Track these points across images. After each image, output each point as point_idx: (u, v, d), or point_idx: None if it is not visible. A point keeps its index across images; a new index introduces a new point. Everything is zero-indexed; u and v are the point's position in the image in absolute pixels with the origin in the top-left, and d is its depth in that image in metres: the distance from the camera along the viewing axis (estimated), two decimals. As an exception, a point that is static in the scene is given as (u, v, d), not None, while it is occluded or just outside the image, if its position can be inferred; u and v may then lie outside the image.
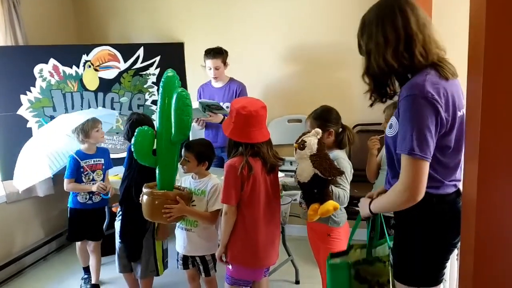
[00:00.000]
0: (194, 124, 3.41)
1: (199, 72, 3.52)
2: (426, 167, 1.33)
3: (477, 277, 1.19)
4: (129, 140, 2.52)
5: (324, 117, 2.25)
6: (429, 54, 1.39)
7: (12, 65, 3.30)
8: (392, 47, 1.40)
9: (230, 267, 2.13)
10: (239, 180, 1.97)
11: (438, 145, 1.37)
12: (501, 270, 1.17)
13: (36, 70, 3.38)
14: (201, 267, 2.42)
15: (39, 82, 3.40)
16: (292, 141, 3.59)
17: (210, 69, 3.25)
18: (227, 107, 3.28)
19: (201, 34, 3.83)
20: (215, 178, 2.37)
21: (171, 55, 3.78)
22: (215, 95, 3.35)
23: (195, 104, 3.09)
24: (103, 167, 2.97)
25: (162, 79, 2.25)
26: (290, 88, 3.71)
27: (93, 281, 3.01)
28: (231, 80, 3.36)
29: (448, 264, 1.51)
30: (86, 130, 2.86)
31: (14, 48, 3.32)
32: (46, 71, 3.41)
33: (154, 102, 3.75)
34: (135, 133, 2.24)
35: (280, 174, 2.91)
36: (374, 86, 1.48)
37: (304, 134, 1.99)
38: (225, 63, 3.28)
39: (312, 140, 1.90)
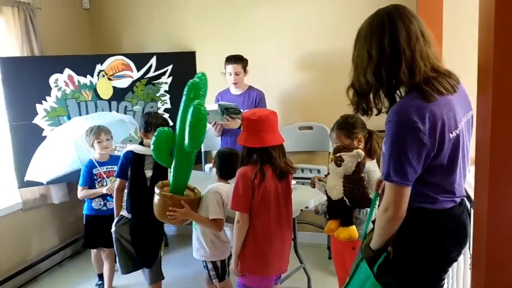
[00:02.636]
0: (211, 128, 3.44)
1: (211, 79, 3.53)
2: (404, 190, 1.35)
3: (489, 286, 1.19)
4: (145, 130, 2.64)
5: (349, 124, 2.18)
6: (415, 73, 1.34)
7: (28, 75, 3.37)
8: (374, 64, 1.37)
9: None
10: (250, 189, 1.99)
11: (428, 166, 1.36)
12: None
13: (52, 80, 3.45)
14: (206, 274, 2.46)
15: (54, 92, 3.47)
16: (303, 148, 3.68)
17: (231, 74, 3.27)
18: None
19: (213, 43, 3.87)
20: (218, 185, 2.38)
21: (183, 64, 3.84)
22: (234, 102, 3.35)
23: (214, 106, 3.12)
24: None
25: (188, 83, 2.29)
26: (302, 95, 3.72)
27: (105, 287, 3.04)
28: (250, 88, 3.38)
29: (451, 275, 1.51)
30: (89, 140, 2.97)
31: (30, 59, 3.40)
32: (61, 81, 3.48)
33: (167, 110, 3.81)
34: (156, 133, 2.30)
35: (292, 182, 2.93)
36: (356, 101, 1.46)
37: (344, 148, 1.91)
38: (245, 70, 3.30)
39: (350, 161, 1.85)
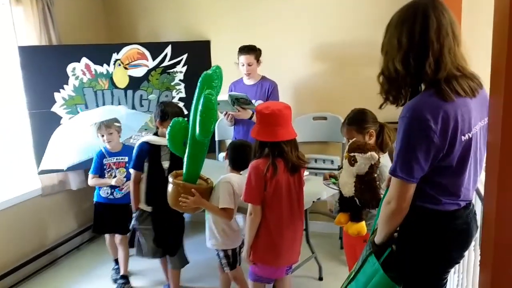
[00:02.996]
0: (223, 118, 3.48)
1: (226, 69, 3.53)
2: (408, 187, 1.37)
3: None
4: (162, 119, 2.67)
5: (360, 119, 2.16)
6: (440, 68, 1.33)
7: (46, 64, 3.43)
8: (402, 52, 1.37)
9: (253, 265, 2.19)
10: (262, 181, 2.01)
11: (436, 166, 1.37)
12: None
13: (69, 68, 3.51)
14: (218, 261, 2.52)
15: (72, 80, 3.53)
16: (317, 138, 3.68)
17: (243, 65, 3.27)
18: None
19: (228, 32, 3.86)
20: (229, 175, 2.41)
21: (197, 52, 3.86)
22: (247, 92, 3.35)
23: (224, 97, 3.15)
24: (127, 165, 3.05)
25: (202, 75, 2.32)
26: (316, 85, 3.71)
27: (121, 273, 3.12)
28: (264, 78, 3.38)
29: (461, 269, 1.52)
30: (97, 133, 3.01)
31: (48, 48, 3.45)
32: (78, 70, 3.53)
33: (181, 99, 3.84)
34: (171, 123, 2.37)
35: (305, 173, 2.95)
36: (386, 89, 1.45)
37: (359, 147, 1.89)
38: (258, 60, 3.30)
39: (364, 163, 1.84)
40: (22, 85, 3.35)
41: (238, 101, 3.16)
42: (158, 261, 2.96)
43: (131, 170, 2.75)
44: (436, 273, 1.49)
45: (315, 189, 2.70)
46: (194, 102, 2.32)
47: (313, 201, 2.62)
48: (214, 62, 3.88)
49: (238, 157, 2.39)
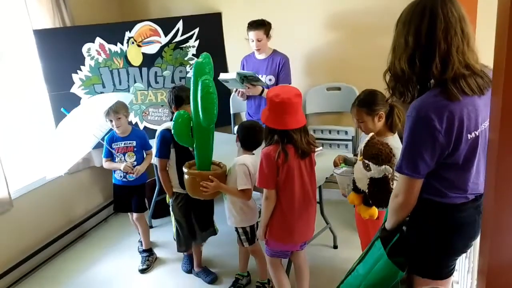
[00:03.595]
0: (234, 94, 3.52)
1: (238, 42, 3.54)
2: (414, 182, 1.42)
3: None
4: (178, 104, 2.72)
5: (370, 101, 2.15)
6: (447, 69, 1.33)
7: (62, 46, 3.50)
8: (409, 53, 1.37)
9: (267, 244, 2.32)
10: (274, 167, 2.08)
11: (442, 162, 1.40)
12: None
13: (84, 49, 3.58)
14: (237, 237, 2.65)
15: (88, 61, 3.60)
16: (330, 109, 3.70)
17: (253, 41, 3.27)
18: (270, 80, 3.34)
19: (238, 3, 3.82)
20: (243, 157, 2.46)
21: (209, 26, 3.85)
22: (258, 67, 3.38)
23: (232, 75, 3.19)
24: (135, 149, 3.11)
25: (194, 64, 2.37)
26: (329, 55, 3.68)
27: (144, 248, 3.30)
28: (274, 52, 3.37)
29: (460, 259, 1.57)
30: (105, 119, 3.04)
31: (62, 30, 3.50)
32: (93, 50, 3.59)
33: (196, 74, 3.87)
34: (174, 117, 2.42)
35: (319, 148, 3.00)
36: (392, 86, 1.47)
37: (373, 157, 1.87)
38: (267, 35, 3.27)
39: (377, 173, 1.85)
40: (40, 68, 3.44)
41: (247, 79, 3.19)
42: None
43: (156, 159, 2.78)
44: (442, 262, 1.57)
45: (329, 163, 2.75)
46: (192, 92, 2.36)
47: (326, 177, 2.69)
48: (227, 34, 3.89)
49: (249, 138, 2.46)
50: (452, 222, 1.50)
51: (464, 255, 1.78)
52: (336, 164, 2.39)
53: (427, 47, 1.34)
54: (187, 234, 2.86)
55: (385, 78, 1.49)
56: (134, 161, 3.12)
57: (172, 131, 2.45)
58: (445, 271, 1.58)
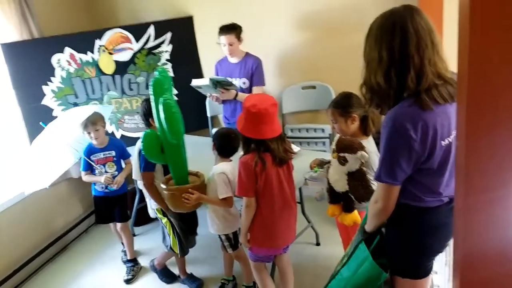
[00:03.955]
0: (209, 99, 3.52)
1: (212, 45, 3.50)
2: (393, 189, 1.48)
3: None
4: (146, 124, 2.70)
5: (345, 103, 2.19)
6: (421, 81, 1.38)
7: (30, 58, 3.43)
8: (384, 68, 1.41)
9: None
10: (253, 175, 2.10)
11: (418, 168, 1.45)
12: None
13: (54, 60, 3.51)
14: (220, 243, 2.67)
15: (58, 72, 3.53)
16: (307, 107, 3.73)
17: (225, 45, 3.26)
18: (244, 83, 3.34)
19: (210, 7, 3.79)
20: (221, 166, 2.46)
21: (181, 30, 3.83)
22: (232, 70, 3.39)
23: (205, 81, 3.19)
24: (114, 159, 3.08)
25: (150, 83, 2.32)
26: (304, 55, 3.70)
27: (128, 257, 3.28)
28: (247, 55, 3.37)
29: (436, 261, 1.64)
30: (82, 131, 2.98)
31: (30, 42, 3.42)
32: (63, 61, 3.53)
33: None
34: (142, 138, 2.38)
35: (296, 149, 3.03)
36: (369, 98, 1.51)
37: (347, 148, 1.93)
38: (239, 38, 3.27)
39: (354, 163, 1.90)
40: (10, 82, 3.37)
41: (220, 84, 3.19)
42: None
43: (143, 174, 2.64)
44: (420, 262, 1.62)
45: (306, 164, 2.79)
46: (154, 110, 2.32)
47: (305, 178, 2.72)
48: (200, 38, 3.86)
49: (225, 145, 2.46)
50: (428, 224, 1.55)
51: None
52: (311, 167, 2.42)
53: (401, 62, 1.38)
54: (186, 233, 2.82)
55: (361, 90, 1.53)
56: (115, 171, 3.10)
57: (143, 151, 2.41)
58: (424, 271, 1.63)
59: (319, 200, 2.37)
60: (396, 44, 1.37)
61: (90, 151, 3.06)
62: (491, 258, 1.26)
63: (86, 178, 3.12)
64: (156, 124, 2.34)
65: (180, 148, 2.38)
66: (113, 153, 3.10)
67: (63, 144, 2.97)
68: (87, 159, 3.03)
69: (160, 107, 2.20)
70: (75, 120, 2.98)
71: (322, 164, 2.40)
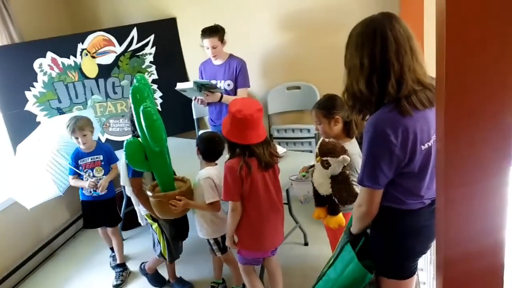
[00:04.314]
0: (194, 102, 3.51)
1: (196, 47, 3.49)
2: (375, 193, 1.51)
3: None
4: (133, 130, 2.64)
5: (329, 105, 2.21)
6: (401, 87, 1.41)
7: (11, 64, 3.38)
8: (366, 75, 1.43)
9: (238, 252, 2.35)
10: (238, 180, 2.11)
11: (399, 172, 1.49)
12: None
13: (36, 65, 3.47)
14: (209, 247, 2.67)
15: (40, 77, 3.49)
16: (292, 108, 3.75)
17: (208, 48, 3.25)
18: (228, 85, 3.34)
19: (194, 7, 3.77)
20: (206, 171, 2.47)
21: (164, 32, 3.82)
22: (216, 72, 3.38)
23: (189, 84, 3.18)
24: (102, 163, 3.07)
25: (130, 90, 2.29)
26: (288, 55, 3.70)
27: (118, 262, 3.27)
28: (231, 56, 3.36)
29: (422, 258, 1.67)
30: (69, 136, 2.96)
31: (10, 47, 3.37)
32: (45, 65, 3.49)
33: (155, 81, 3.84)
34: (124, 146, 2.36)
35: (281, 150, 3.05)
36: (351, 105, 1.54)
37: (330, 151, 1.96)
38: (222, 41, 3.25)
39: (337, 166, 1.94)
40: (-10, 88, 3.32)
41: (204, 87, 3.19)
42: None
43: (131, 180, 2.62)
44: (404, 264, 1.65)
45: (293, 165, 2.81)
46: (135, 118, 2.31)
47: (291, 180, 2.74)
48: (183, 40, 3.85)
49: (209, 150, 2.47)
50: (410, 226, 1.58)
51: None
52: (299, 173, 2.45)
53: (382, 69, 1.41)
54: (176, 239, 2.81)
55: (344, 97, 1.56)
56: (103, 175, 3.08)
57: (126, 159, 2.40)
58: (408, 272, 1.67)
59: (304, 203, 2.39)
60: (377, 51, 1.40)
61: (78, 155, 3.05)
62: (472, 252, 1.29)
63: (72, 182, 3.10)
64: (138, 132, 2.33)
65: (163, 155, 2.37)
66: (101, 157, 3.08)
67: (49, 154, 2.98)
68: (73, 164, 3.02)
69: (141, 116, 2.18)
70: (59, 128, 2.97)
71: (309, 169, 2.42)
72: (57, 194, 3.07)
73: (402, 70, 1.40)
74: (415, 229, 1.59)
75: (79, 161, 3.04)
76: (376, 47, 1.40)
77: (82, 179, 3.06)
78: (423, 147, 1.46)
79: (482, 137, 1.17)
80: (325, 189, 2.01)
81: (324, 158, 1.97)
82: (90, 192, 3.08)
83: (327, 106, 2.21)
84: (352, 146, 2.18)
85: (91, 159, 3.06)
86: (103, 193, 3.06)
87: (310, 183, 2.24)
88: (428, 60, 1.53)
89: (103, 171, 3.08)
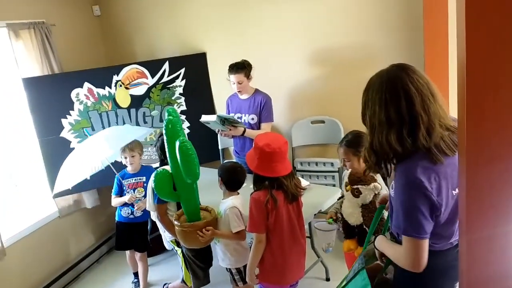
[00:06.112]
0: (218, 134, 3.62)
1: (224, 80, 3.61)
2: (422, 243, 1.43)
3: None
4: (162, 158, 2.79)
5: (357, 142, 2.24)
6: (432, 136, 1.41)
7: (51, 92, 3.57)
8: (396, 130, 1.42)
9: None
10: (264, 212, 2.16)
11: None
12: None
13: (73, 94, 3.65)
14: (230, 277, 2.69)
15: (76, 106, 3.67)
16: (316, 141, 3.80)
17: (234, 83, 3.37)
18: (253, 119, 3.44)
19: (223, 42, 3.93)
20: (231, 200, 2.51)
21: (195, 66, 3.97)
22: (241, 106, 3.49)
23: (213, 117, 3.27)
24: (145, 184, 3.20)
25: (164, 122, 2.39)
26: (313, 90, 3.78)
27: (141, 287, 3.33)
28: (256, 91, 3.47)
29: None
30: (120, 154, 3.16)
31: (51, 77, 3.58)
32: (82, 95, 3.67)
33: (183, 112, 3.97)
34: (153, 177, 2.46)
35: (305, 183, 3.08)
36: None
37: (360, 180, 1.98)
38: (248, 77, 3.36)
39: (368, 194, 1.96)
40: (29, 115, 3.50)
41: (227, 121, 3.29)
42: (177, 270, 3.11)
43: (157, 206, 2.71)
44: None
45: (317, 199, 2.85)
46: (167, 149, 2.40)
47: (314, 214, 2.77)
48: (212, 73, 4.00)
49: (231, 179, 2.53)
50: (438, 266, 1.57)
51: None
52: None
53: (411, 122, 1.41)
54: (201, 267, 2.83)
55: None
56: (143, 196, 3.19)
57: (155, 189, 2.50)
58: None
59: (326, 252, 2.40)
60: (403, 106, 1.40)
61: (123, 176, 3.22)
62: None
63: (114, 201, 3.25)
64: (169, 162, 2.42)
65: (193, 187, 2.45)
66: (144, 178, 3.23)
67: (96, 155, 3.15)
68: (120, 182, 3.18)
69: (177, 149, 2.26)
70: (118, 138, 3.18)
71: (337, 215, 2.42)
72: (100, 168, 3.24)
73: (430, 119, 1.40)
74: (444, 268, 1.58)
75: (123, 182, 3.19)
76: (401, 102, 1.40)
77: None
78: (454, 193, 1.46)
79: (501, 181, 1.20)
80: (355, 218, 2.04)
81: (355, 187, 2.01)
82: (128, 213, 3.21)
83: (356, 144, 2.25)
84: (379, 180, 2.23)
85: (135, 179, 3.23)
86: (139, 214, 3.18)
87: (335, 233, 2.26)
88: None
89: (143, 192, 3.20)
